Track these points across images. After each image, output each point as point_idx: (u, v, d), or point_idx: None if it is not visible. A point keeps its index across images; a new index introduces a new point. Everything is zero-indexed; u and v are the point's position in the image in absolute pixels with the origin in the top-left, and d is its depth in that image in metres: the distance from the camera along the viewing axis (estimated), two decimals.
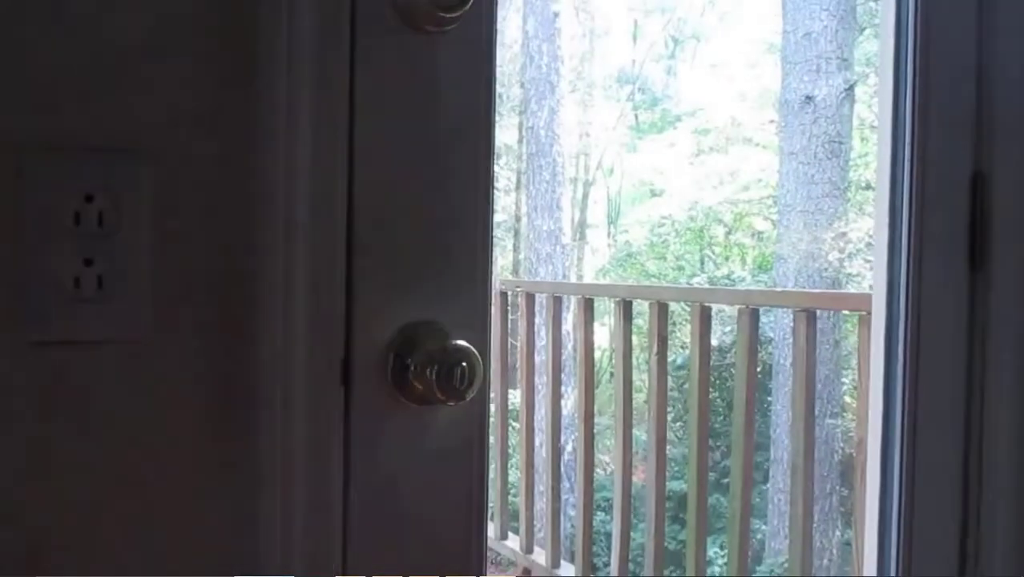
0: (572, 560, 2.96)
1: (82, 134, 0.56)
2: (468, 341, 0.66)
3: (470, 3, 0.64)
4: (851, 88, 6.20)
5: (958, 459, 1.12)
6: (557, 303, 2.83)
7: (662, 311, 2.37)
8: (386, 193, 0.66)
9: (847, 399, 7.37)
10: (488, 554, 3.17)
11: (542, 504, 3.11)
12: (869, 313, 1.76)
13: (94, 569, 0.56)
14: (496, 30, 0.70)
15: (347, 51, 0.63)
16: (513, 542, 3.15)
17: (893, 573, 1.06)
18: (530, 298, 2.92)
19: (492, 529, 3.09)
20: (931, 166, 1.04)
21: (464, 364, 0.65)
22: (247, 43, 0.60)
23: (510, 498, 3.30)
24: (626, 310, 2.50)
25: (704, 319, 2.20)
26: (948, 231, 1.08)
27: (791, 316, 2.23)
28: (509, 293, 3.04)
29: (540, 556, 3.00)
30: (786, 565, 6.39)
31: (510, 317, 3.23)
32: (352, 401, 0.66)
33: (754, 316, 2.10)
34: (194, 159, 0.60)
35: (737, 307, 2.16)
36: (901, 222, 1.11)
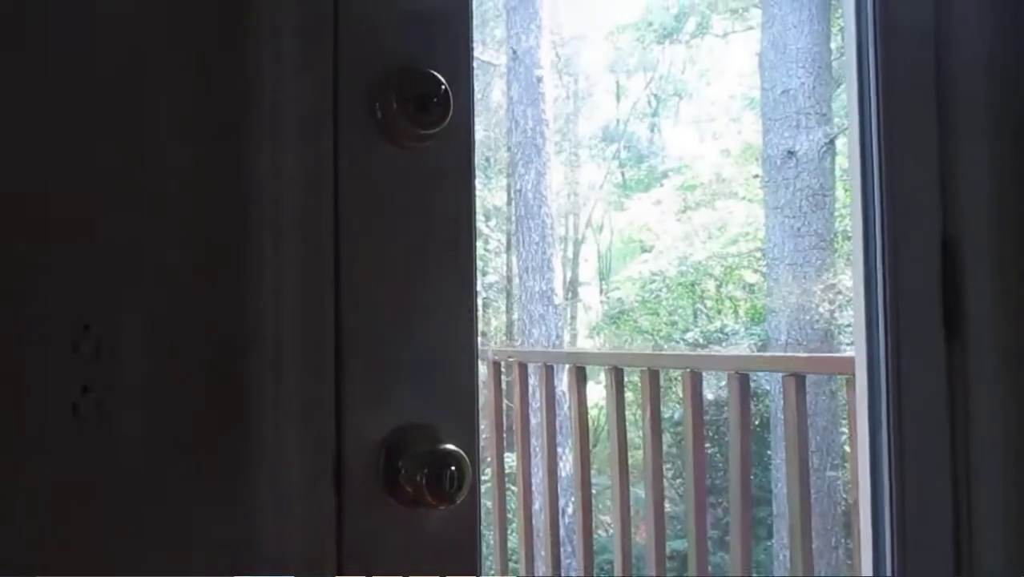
0: None
1: (77, 262, 0.58)
2: (456, 444, 0.67)
3: (448, 120, 0.68)
4: (832, 141, 6.31)
5: (947, 521, 1.13)
6: (549, 370, 2.85)
7: (653, 378, 2.39)
8: (372, 301, 0.68)
9: (847, 448, 7.33)
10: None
11: (543, 570, 3.08)
12: (855, 375, 1.79)
13: None
14: (473, 141, 0.73)
15: (331, 162, 0.66)
16: None
17: None
18: (522, 367, 2.94)
19: None
20: (901, 233, 1.05)
21: (453, 468, 0.66)
22: (232, 151, 0.63)
23: (511, 565, 3.27)
24: (617, 377, 2.51)
25: (695, 384, 2.22)
26: (922, 297, 1.09)
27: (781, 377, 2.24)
28: (502, 363, 3.06)
29: None
30: None
31: (504, 379, 3.23)
32: (344, 506, 0.67)
33: (744, 381, 2.12)
34: (185, 279, 0.62)
35: (727, 373, 2.18)
36: (876, 289, 1.13)
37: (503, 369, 3.07)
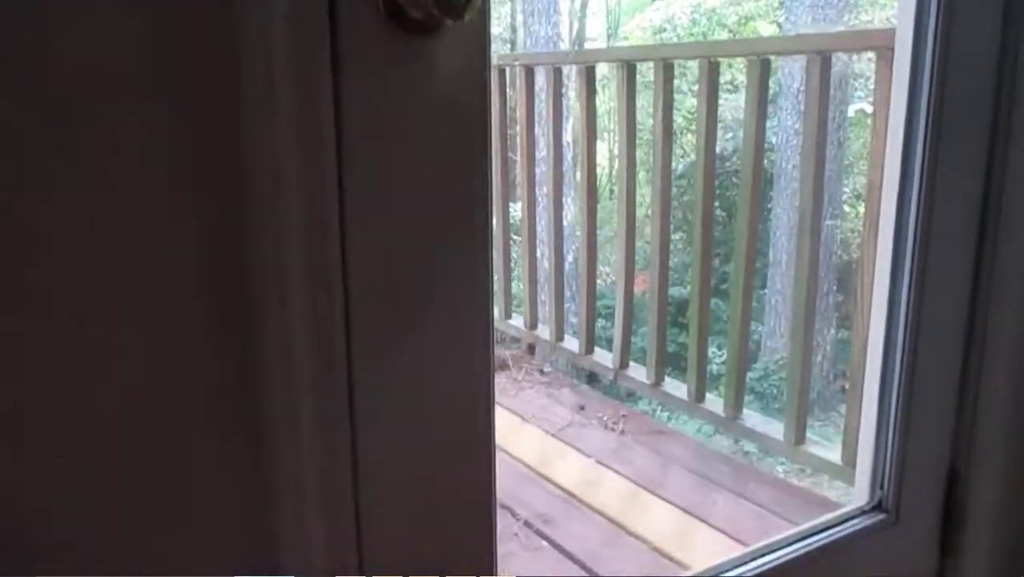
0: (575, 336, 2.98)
1: None
2: None
3: None
4: None
5: (978, 199, 1.09)
6: (557, 73, 2.68)
7: (667, 72, 2.27)
8: None
9: (846, 208, 7.36)
10: (494, 334, 3.19)
11: (545, 313, 3.12)
12: (890, 49, 1.67)
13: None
14: None
15: None
16: (517, 321, 3.17)
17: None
18: (529, 72, 2.78)
19: (496, 310, 3.12)
20: None
21: None
22: None
23: (513, 309, 3.31)
24: (629, 75, 2.39)
25: (712, 75, 2.11)
26: None
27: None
28: (508, 70, 2.91)
29: (544, 332, 3.03)
30: (781, 361, 6.60)
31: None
32: (338, 31, 0.59)
33: (764, 66, 2.00)
34: None
35: (747, 59, 2.05)
36: None
37: (507, 82, 2.92)
